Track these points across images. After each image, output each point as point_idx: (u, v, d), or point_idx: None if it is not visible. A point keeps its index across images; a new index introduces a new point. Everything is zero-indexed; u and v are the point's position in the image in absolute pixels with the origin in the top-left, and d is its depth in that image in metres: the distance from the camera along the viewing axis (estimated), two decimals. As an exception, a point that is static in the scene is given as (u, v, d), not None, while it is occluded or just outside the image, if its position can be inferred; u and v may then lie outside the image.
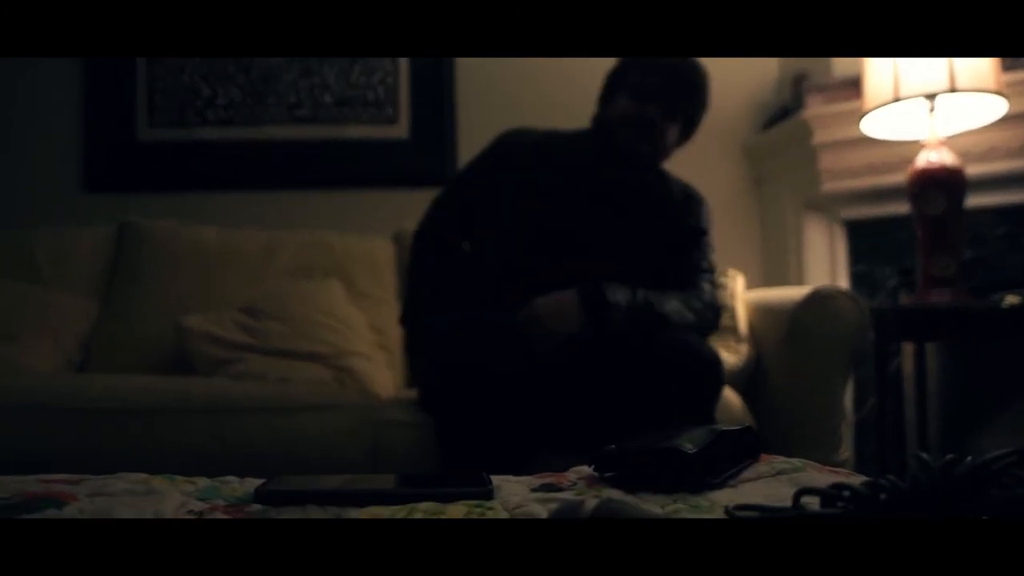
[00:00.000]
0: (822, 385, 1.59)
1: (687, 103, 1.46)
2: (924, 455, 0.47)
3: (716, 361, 1.32)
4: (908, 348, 2.08)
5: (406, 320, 1.61)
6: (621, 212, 1.49)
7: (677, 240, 1.51)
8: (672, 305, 1.38)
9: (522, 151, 1.53)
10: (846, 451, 1.68)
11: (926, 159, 1.81)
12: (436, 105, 2.48)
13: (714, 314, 1.47)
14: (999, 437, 1.97)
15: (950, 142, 1.88)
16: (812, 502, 0.49)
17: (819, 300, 1.60)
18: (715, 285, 1.52)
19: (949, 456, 0.48)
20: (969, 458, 0.48)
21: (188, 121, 2.47)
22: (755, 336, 1.78)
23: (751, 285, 2.11)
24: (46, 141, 2.46)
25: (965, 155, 1.91)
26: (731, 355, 1.72)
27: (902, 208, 1.98)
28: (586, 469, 0.70)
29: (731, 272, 1.93)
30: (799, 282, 2.26)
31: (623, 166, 1.49)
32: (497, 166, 1.54)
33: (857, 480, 0.51)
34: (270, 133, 2.46)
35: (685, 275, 1.47)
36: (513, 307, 1.35)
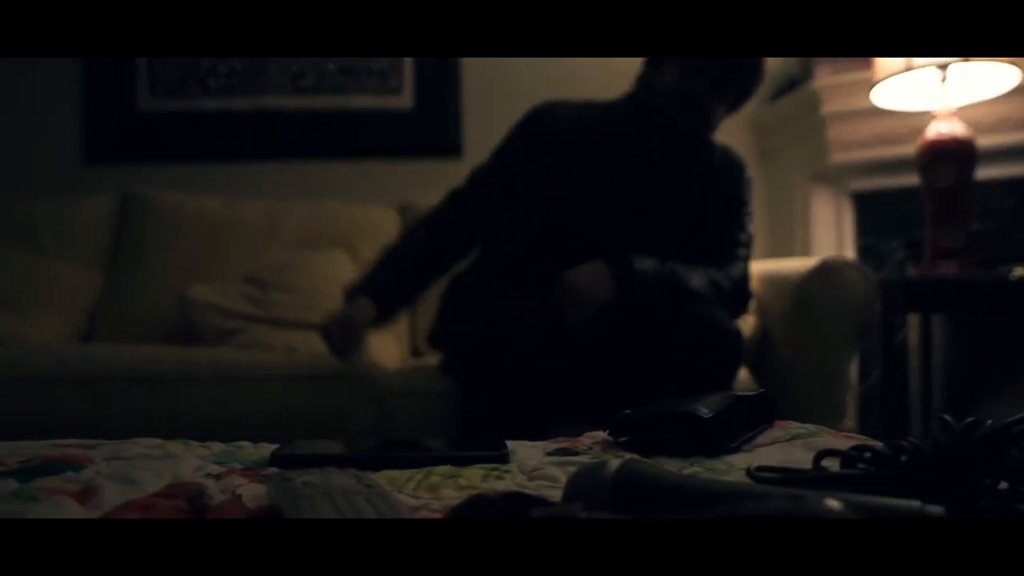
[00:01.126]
0: (828, 356, 1.59)
1: (738, 79, 1.40)
2: (947, 417, 0.47)
3: (737, 335, 1.31)
4: (913, 320, 2.08)
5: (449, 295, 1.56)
6: (660, 185, 1.45)
7: (715, 213, 1.47)
8: (699, 280, 1.36)
9: (558, 126, 1.49)
10: (850, 422, 1.68)
11: (936, 130, 1.79)
12: (441, 76, 2.45)
13: (744, 294, 1.45)
14: (1004, 409, 1.98)
15: (961, 113, 1.86)
16: (832, 464, 0.49)
17: (826, 271, 1.60)
18: (749, 258, 1.49)
19: (970, 419, 0.48)
20: (989, 421, 0.48)
21: (189, 91, 2.44)
22: (762, 307, 1.78)
23: (757, 256, 2.10)
24: (46, 112, 2.44)
25: (976, 126, 1.89)
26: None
27: (910, 180, 1.96)
28: (601, 434, 0.70)
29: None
30: (805, 254, 2.25)
31: (667, 141, 1.44)
32: (533, 142, 1.49)
33: (875, 445, 0.51)
34: (273, 103, 2.43)
35: (720, 250, 1.44)
36: (546, 279, 1.34)
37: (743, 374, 1.60)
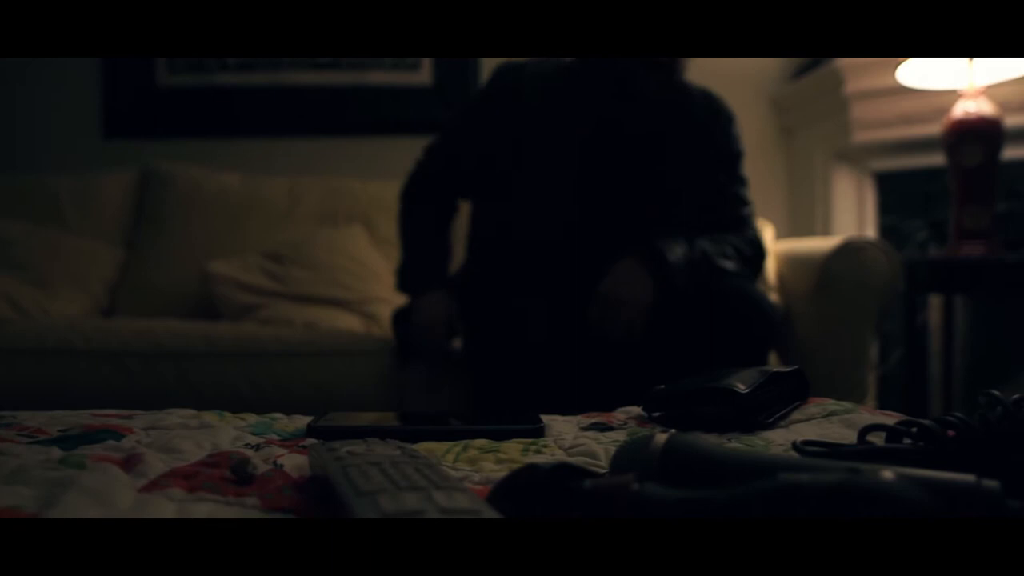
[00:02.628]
0: (851, 336, 1.58)
1: None
2: (995, 392, 0.47)
3: (774, 312, 1.29)
4: (935, 301, 2.06)
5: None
6: (641, 145, 1.38)
7: (712, 170, 1.42)
8: (728, 254, 1.33)
9: (527, 86, 1.41)
10: (871, 402, 1.68)
11: (963, 109, 1.77)
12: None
13: (762, 255, 1.43)
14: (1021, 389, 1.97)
15: (989, 91, 1.83)
16: (877, 439, 0.49)
17: (850, 251, 1.59)
18: (754, 214, 1.46)
19: (1017, 395, 0.48)
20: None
21: (208, 66, 2.44)
22: (784, 286, 1.77)
23: (779, 235, 2.10)
24: (65, 87, 2.44)
25: (1004, 105, 1.86)
26: (758, 306, 1.71)
27: (933, 160, 1.94)
28: (635, 409, 0.70)
29: (760, 222, 1.90)
30: (826, 233, 2.24)
31: (641, 102, 1.37)
32: (506, 102, 1.42)
33: (921, 420, 0.50)
34: (291, 79, 2.43)
35: (727, 212, 1.40)
36: (557, 269, 1.31)
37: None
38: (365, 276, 1.91)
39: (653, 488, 0.38)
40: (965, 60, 1.79)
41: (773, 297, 1.73)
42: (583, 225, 1.35)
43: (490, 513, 0.35)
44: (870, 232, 2.25)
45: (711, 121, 1.44)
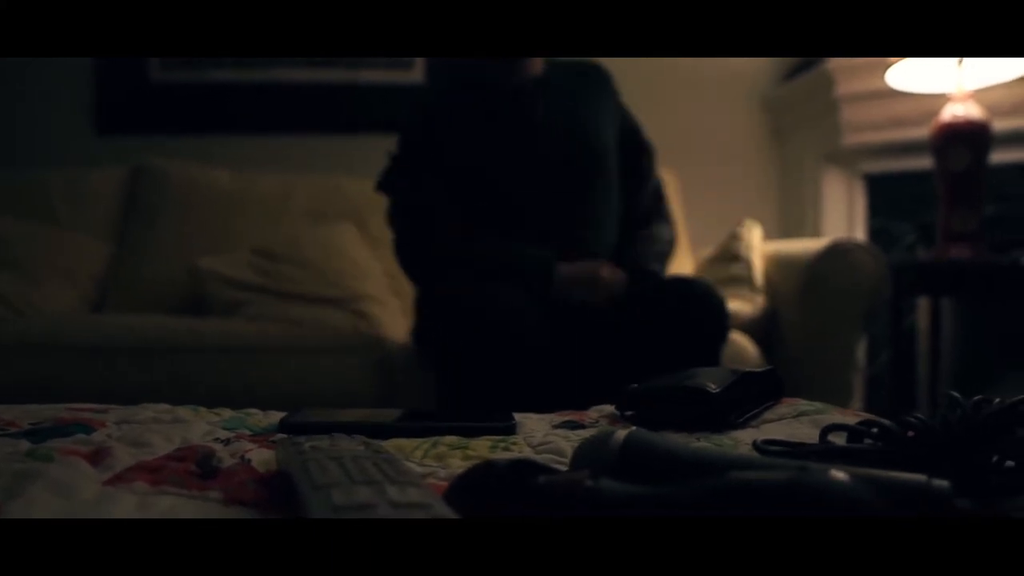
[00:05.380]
0: (836, 337, 1.59)
1: None
2: (955, 394, 0.47)
3: (722, 304, 1.29)
4: (923, 303, 2.07)
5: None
6: (548, 144, 1.42)
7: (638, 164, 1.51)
8: (655, 252, 1.43)
9: (442, 116, 1.46)
10: (857, 403, 1.68)
11: (951, 112, 1.77)
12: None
13: (674, 240, 1.52)
14: (1011, 394, 1.97)
15: (977, 95, 1.84)
16: (839, 439, 0.49)
17: (837, 253, 1.59)
18: (663, 196, 1.53)
19: (978, 397, 0.48)
20: (998, 399, 0.48)
21: (201, 63, 2.44)
22: (771, 287, 1.78)
23: (767, 237, 2.10)
24: (58, 82, 2.44)
25: (992, 109, 1.87)
26: (746, 305, 1.72)
27: (923, 163, 1.95)
28: (608, 408, 0.70)
29: (748, 223, 1.91)
30: (815, 235, 2.25)
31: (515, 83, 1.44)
32: (427, 136, 1.46)
33: (882, 420, 0.51)
34: (285, 76, 2.43)
35: (653, 204, 1.49)
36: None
37: (752, 352, 1.60)
38: (355, 274, 1.91)
39: (608, 484, 0.38)
40: (954, 64, 1.80)
41: (759, 299, 1.74)
42: (538, 230, 1.37)
43: (441, 508, 0.35)
44: (860, 234, 2.26)
45: (600, 84, 1.51)
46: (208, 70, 2.44)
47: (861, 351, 1.68)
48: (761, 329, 1.71)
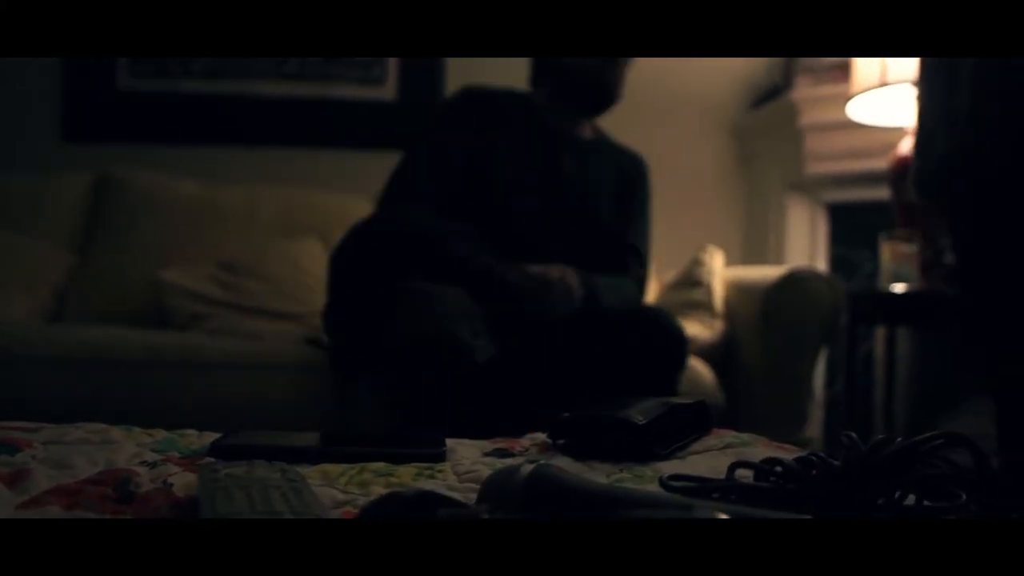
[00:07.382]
0: (790, 365, 1.61)
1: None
2: (853, 435, 0.49)
3: (682, 336, 1.32)
4: (881, 332, 2.10)
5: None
6: (574, 184, 1.49)
7: (624, 215, 1.55)
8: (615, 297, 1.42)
9: (494, 109, 1.51)
10: (811, 429, 1.71)
11: (908, 145, 1.81)
12: (425, 68, 2.45)
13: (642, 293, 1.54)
14: (964, 420, 2.01)
15: (933, 129, 1.88)
16: (746, 475, 0.50)
17: (793, 281, 1.62)
18: (645, 257, 1.57)
19: (880, 436, 0.50)
20: (899, 439, 0.49)
21: (172, 72, 2.43)
22: (730, 313, 1.80)
23: (730, 262, 2.13)
24: (24, 88, 2.42)
25: (948, 143, 1.91)
26: (705, 330, 1.74)
27: (881, 193, 1.99)
28: (541, 436, 0.71)
29: (710, 249, 1.93)
30: (778, 262, 2.28)
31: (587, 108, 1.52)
32: (471, 121, 1.50)
33: (794, 456, 0.52)
34: (255, 88, 2.43)
35: (621, 256, 1.52)
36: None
37: (708, 377, 1.62)
38: (318, 290, 1.90)
39: (505, 517, 0.39)
40: (912, 98, 1.84)
41: (718, 324, 1.76)
42: (520, 251, 1.37)
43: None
44: (821, 262, 2.29)
45: (633, 171, 1.59)
46: (179, 79, 2.43)
47: (817, 377, 1.71)
48: (719, 354, 1.73)
